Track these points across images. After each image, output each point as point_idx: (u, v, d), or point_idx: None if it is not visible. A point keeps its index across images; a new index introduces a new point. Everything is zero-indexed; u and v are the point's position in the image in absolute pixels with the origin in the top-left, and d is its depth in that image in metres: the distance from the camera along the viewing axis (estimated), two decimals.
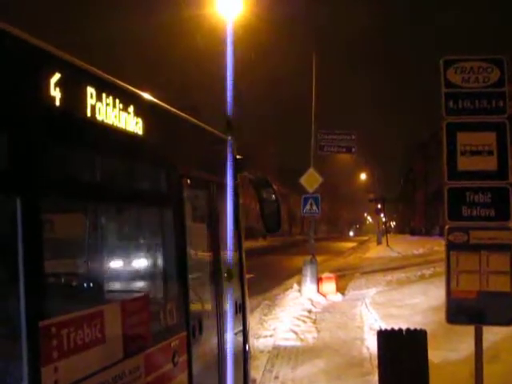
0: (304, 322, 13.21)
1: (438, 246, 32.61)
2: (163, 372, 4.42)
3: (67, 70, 3.42)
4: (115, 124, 3.92)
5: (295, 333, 11.92)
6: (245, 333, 6.66)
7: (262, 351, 10.68)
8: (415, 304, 13.55)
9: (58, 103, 3.24)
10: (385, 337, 6.75)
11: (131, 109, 4.12)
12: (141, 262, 5.12)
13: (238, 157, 6.71)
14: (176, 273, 4.89)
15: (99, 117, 3.70)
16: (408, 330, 6.61)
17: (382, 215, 62.17)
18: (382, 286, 19.16)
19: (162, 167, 4.84)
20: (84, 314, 3.43)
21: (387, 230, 60.40)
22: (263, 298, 18.11)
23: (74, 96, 3.47)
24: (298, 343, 11.10)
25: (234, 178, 6.16)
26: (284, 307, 15.39)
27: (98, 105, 3.70)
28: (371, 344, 9.57)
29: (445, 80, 6.32)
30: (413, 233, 76.28)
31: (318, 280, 17.70)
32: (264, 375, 8.93)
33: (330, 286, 17.72)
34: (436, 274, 19.26)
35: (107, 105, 3.81)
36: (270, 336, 11.87)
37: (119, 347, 3.77)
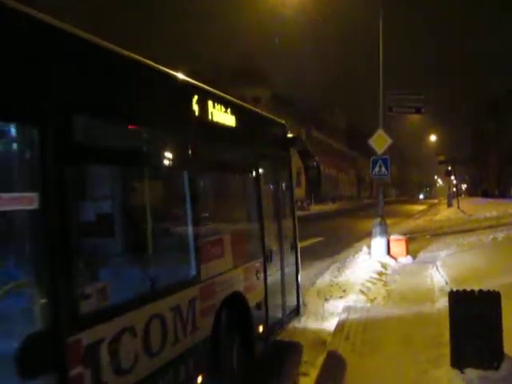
0: (374, 283, 13.24)
1: None
2: (251, 282, 7.03)
3: (208, 96, 6.15)
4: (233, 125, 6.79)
5: (365, 294, 11.97)
6: (297, 264, 9.27)
7: (332, 313, 10.79)
8: (487, 267, 13.32)
9: (202, 119, 5.91)
10: (456, 298, 6.70)
11: (235, 114, 6.78)
12: (239, 213, 7.76)
13: (290, 135, 9.33)
14: (257, 220, 7.57)
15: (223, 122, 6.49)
16: (480, 291, 6.54)
17: (452, 177, 60.91)
18: (452, 248, 18.85)
19: (248, 148, 7.50)
20: (216, 239, 6.18)
21: (458, 193, 59.21)
22: (333, 261, 18.18)
23: (206, 111, 6.01)
24: (369, 305, 11.13)
25: (288, 152, 9.21)
26: (354, 269, 15.42)
27: (220, 115, 6.34)
28: (442, 306, 9.51)
29: None
30: (485, 195, 74.40)
31: (388, 242, 17.61)
32: (335, 336, 9.00)
33: (400, 249, 17.60)
34: (510, 237, 18.86)
35: (222, 113, 6.42)
36: (340, 297, 11.95)
37: (231, 261, 6.42)
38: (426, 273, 14.67)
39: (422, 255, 18.38)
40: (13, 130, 3.58)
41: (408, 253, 17.69)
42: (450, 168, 56.78)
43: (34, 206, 3.37)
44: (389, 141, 18.17)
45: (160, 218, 5.56)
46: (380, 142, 18.06)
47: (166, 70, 5.37)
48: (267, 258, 7.57)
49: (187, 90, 5.75)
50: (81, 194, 4.52)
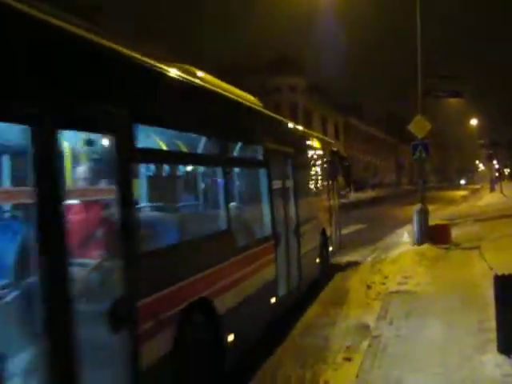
0: (416, 269, 13.15)
1: None
2: (328, 225, 14.14)
3: (308, 134, 13.49)
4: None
5: (408, 280, 11.92)
6: (338, 221, 15.81)
7: (375, 299, 10.80)
8: None
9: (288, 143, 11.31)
10: (502, 283, 6.65)
11: (318, 141, 14.07)
12: (321, 190, 14.26)
13: (334, 148, 16.08)
14: (327, 194, 14.59)
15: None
16: None
17: (494, 162, 59.84)
18: (496, 233, 18.60)
19: (322, 157, 14.23)
20: (320, 202, 13.86)
21: (501, 177, 58.18)
22: (375, 248, 18.14)
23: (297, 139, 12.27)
24: (412, 290, 11.07)
25: (333, 157, 15.50)
26: (396, 256, 15.35)
27: (313, 142, 13.49)
28: (487, 291, 9.42)
29: None
30: None
31: (430, 228, 17.42)
32: (378, 321, 9.03)
33: (442, 235, 17.37)
34: None
35: (313, 141, 13.58)
36: (383, 284, 11.94)
37: (323, 213, 13.84)
38: (470, 258, 14.49)
39: (464, 240, 18.13)
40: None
41: (450, 238, 17.48)
42: (491, 152, 55.74)
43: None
44: (428, 126, 17.98)
45: (302, 196, 11.39)
46: (419, 126, 17.89)
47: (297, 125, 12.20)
48: (331, 215, 14.43)
49: (303, 134, 12.44)
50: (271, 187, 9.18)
